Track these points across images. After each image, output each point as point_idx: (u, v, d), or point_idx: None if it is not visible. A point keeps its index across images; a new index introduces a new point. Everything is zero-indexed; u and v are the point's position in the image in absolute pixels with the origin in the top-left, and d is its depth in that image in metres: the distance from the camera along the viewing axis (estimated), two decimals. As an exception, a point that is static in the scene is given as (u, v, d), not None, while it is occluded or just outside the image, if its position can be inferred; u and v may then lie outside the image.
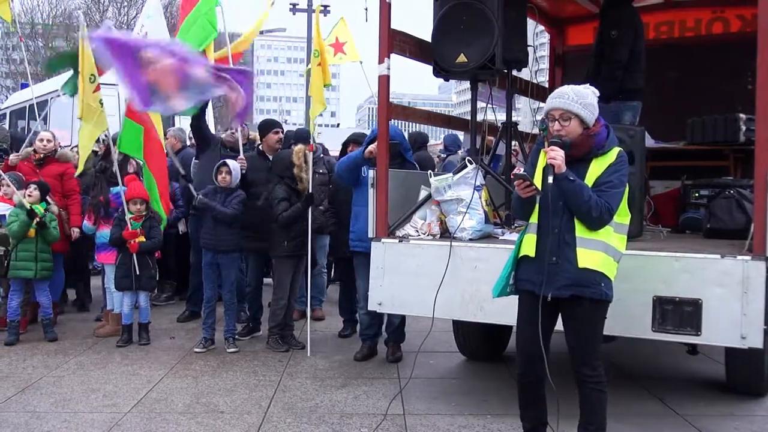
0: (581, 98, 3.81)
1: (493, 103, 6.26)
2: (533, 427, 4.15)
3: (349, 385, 5.76)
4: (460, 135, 11.05)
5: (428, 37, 5.70)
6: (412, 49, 5.74)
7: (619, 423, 4.62)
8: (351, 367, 6.26)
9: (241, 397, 5.40)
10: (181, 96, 6.00)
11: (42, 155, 7.70)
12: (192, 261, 8.05)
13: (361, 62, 11.35)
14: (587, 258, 3.77)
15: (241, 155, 7.31)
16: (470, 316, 4.96)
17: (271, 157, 7.22)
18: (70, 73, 7.64)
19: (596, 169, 3.84)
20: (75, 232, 7.61)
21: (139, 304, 7.01)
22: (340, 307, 7.54)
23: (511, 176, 4.68)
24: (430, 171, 5.52)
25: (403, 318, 6.37)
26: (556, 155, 3.71)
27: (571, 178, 3.73)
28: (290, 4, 30.89)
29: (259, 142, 7.81)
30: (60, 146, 8.27)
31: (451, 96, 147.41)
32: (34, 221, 6.79)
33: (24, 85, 18.22)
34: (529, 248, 3.92)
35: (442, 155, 10.82)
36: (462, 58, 5.45)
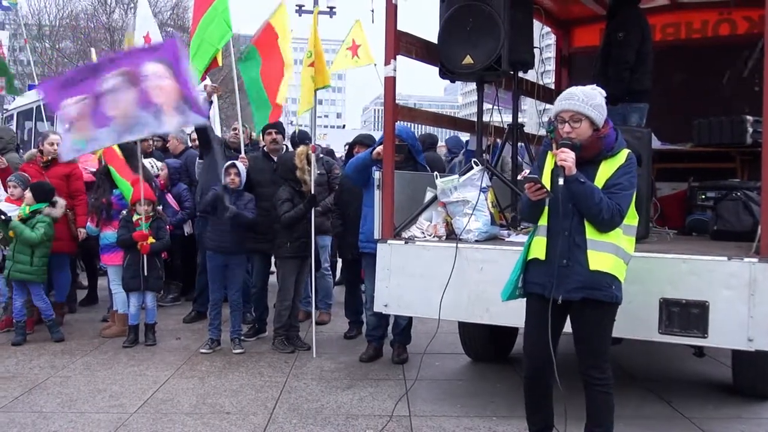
0: (590, 99, 3.80)
1: (499, 105, 6.27)
2: (539, 430, 4.15)
3: (354, 386, 5.76)
4: (464, 137, 11.07)
5: (434, 39, 5.70)
6: (418, 51, 5.75)
7: (627, 426, 4.61)
8: (357, 369, 6.26)
9: (247, 398, 5.40)
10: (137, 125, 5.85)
11: (49, 158, 7.73)
12: (199, 262, 8.07)
13: (374, 64, 11.41)
14: (598, 260, 3.76)
15: (242, 154, 7.31)
16: (476, 318, 4.96)
17: (275, 159, 7.23)
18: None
19: (606, 171, 3.83)
20: (81, 232, 7.63)
21: (146, 304, 7.02)
22: (345, 309, 7.54)
23: (521, 178, 4.68)
24: (436, 173, 5.52)
25: (409, 320, 6.37)
26: (567, 157, 3.70)
27: (582, 180, 3.72)
28: (296, 5, 30.91)
29: (263, 143, 7.83)
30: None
31: (457, 97, 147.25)
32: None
33: (31, 87, 18.28)
34: (539, 251, 3.91)
35: (447, 157, 10.82)
36: (468, 60, 5.46)
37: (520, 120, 6.34)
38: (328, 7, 30.89)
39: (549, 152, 3.94)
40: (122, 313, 7.19)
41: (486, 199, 5.19)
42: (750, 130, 6.17)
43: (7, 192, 7.39)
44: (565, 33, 8.25)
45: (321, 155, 8.20)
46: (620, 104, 6.11)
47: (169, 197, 8.36)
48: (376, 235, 5.28)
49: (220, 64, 7.71)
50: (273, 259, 7.44)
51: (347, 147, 8.66)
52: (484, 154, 5.93)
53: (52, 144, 7.84)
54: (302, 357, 6.57)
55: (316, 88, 6.90)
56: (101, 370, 6.09)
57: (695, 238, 5.77)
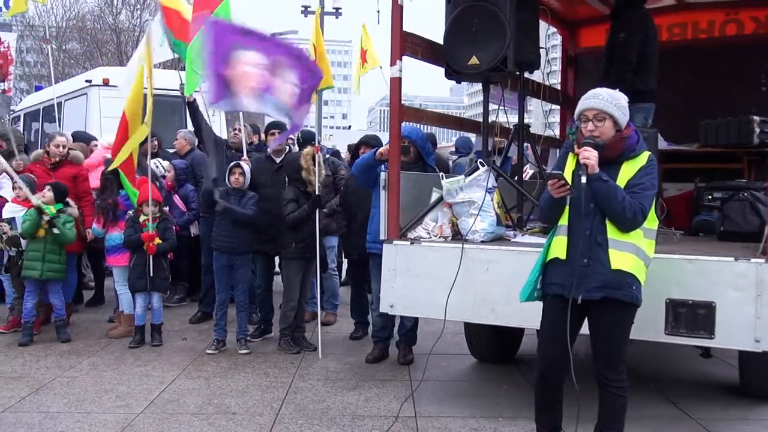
0: (615, 100, 3.84)
1: (505, 105, 6.26)
2: (548, 431, 4.14)
3: (360, 387, 5.76)
4: (472, 137, 11.05)
5: (440, 40, 5.70)
6: (424, 51, 5.74)
7: (634, 427, 4.58)
8: (362, 369, 6.26)
9: (253, 399, 5.41)
10: (255, 100, 6.10)
11: (57, 159, 7.75)
12: (203, 263, 8.09)
13: (380, 67, 11.44)
14: (620, 260, 3.77)
15: (245, 155, 7.30)
16: (482, 319, 4.96)
17: (277, 160, 7.23)
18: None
19: (628, 171, 3.84)
20: (89, 233, 7.65)
21: (152, 305, 7.04)
22: (351, 309, 7.55)
23: (545, 175, 4.65)
24: (442, 173, 5.51)
25: (415, 321, 6.37)
26: (590, 155, 3.71)
27: (605, 178, 3.74)
28: (302, 6, 30.92)
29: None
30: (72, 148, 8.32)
31: (462, 98, 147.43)
32: (44, 221, 6.83)
33: (38, 88, 18.36)
34: (559, 250, 3.90)
35: (453, 157, 10.82)
36: (474, 60, 5.45)
37: (526, 121, 6.34)
38: (333, 8, 30.91)
39: (570, 153, 3.95)
40: (128, 313, 7.21)
41: (492, 200, 5.18)
42: (757, 130, 6.15)
43: (13, 191, 7.41)
44: (571, 33, 8.24)
45: (327, 156, 8.21)
46: (624, 105, 6.10)
47: (176, 198, 8.39)
48: (382, 236, 5.28)
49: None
50: (277, 260, 7.44)
51: (353, 148, 8.66)
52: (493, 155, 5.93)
53: (58, 146, 7.87)
54: (308, 358, 6.58)
55: (319, 89, 6.90)
56: (108, 371, 6.10)
57: (702, 239, 5.76)
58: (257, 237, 6.92)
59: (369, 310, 7.23)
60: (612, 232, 3.80)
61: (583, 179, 3.72)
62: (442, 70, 5.78)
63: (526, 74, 6.33)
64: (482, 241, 5.01)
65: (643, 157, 3.87)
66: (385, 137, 6.25)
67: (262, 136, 9.08)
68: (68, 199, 7.23)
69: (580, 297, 3.77)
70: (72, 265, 7.76)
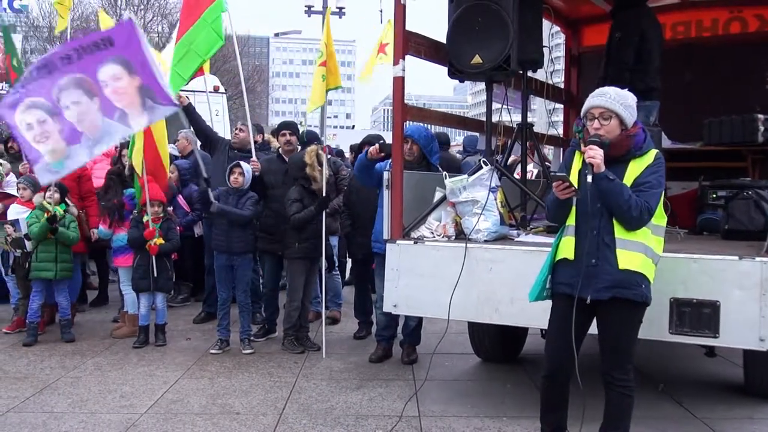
0: (622, 99, 3.84)
1: (509, 104, 6.25)
2: (552, 431, 4.13)
3: (364, 386, 5.76)
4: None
5: (443, 39, 5.69)
6: (427, 51, 5.73)
7: (638, 426, 4.57)
8: (366, 369, 6.26)
9: (257, 399, 5.41)
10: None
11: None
12: (207, 263, 8.09)
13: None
14: (628, 259, 3.76)
15: (254, 157, 7.31)
16: (485, 318, 4.95)
17: (287, 159, 7.25)
18: None
19: (634, 170, 3.83)
20: (94, 233, 7.66)
21: (156, 305, 7.04)
22: (355, 309, 7.54)
23: (549, 176, 4.65)
24: (445, 173, 5.51)
25: (419, 320, 6.37)
26: (596, 154, 3.71)
27: (611, 177, 3.73)
28: (305, 6, 30.94)
29: (278, 144, 7.84)
30: None
31: (466, 97, 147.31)
32: (52, 224, 6.85)
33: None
34: (567, 251, 3.91)
35: (460, 156, 10.80)
36: (477, 59, 5.44)
37: (529, 120, 6.32)
38: (337, 8, 30.91)
39: (577, 152, 3.95)
40: (132, 313, 7.22)
41: (495, 199, 5.17)
42: (761, 128, 6.14)
43: (17, 192, 7.43)
44: (574, 32, 8.22)
45: (329, 156, 8.20)
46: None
47: (180, 198, 8.39)
48: (385, 236, 5.28)
49: (207, 72, 7.69)
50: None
51: (356, 147, 8.66)
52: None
53: None
54: (312, 357, 6.58)
55: (327, 88, 6.90)
56: (112, 371, 6.11)
57: (706, 238, 5.74)
58: (266, 237, 6.92)
59: (373, 310, 7.23)
60: (619, 231, 3.79)
61: (589, 178, 3.72)
62: (445, 70, 5.77)
63: (530, 73, 6.31)
64: (486, 241, 5.00)
65: (650, 156, 3.86)
66: (388, 137, 6.24)
67: (266, 135, 9.09)
68: (66, 199, 7.23)
69: (589, 297, 3.77)
70: (76, 265, 7.77)
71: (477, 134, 10.12)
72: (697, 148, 6.65)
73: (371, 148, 6.03)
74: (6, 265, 7.68)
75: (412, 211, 5.40)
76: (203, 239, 8.34)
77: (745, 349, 4.72)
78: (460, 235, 5.19)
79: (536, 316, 4.29)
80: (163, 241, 6.90)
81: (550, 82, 7.23)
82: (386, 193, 5.33)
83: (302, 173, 6.65)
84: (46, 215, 6.86)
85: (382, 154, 5.91)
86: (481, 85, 6.08)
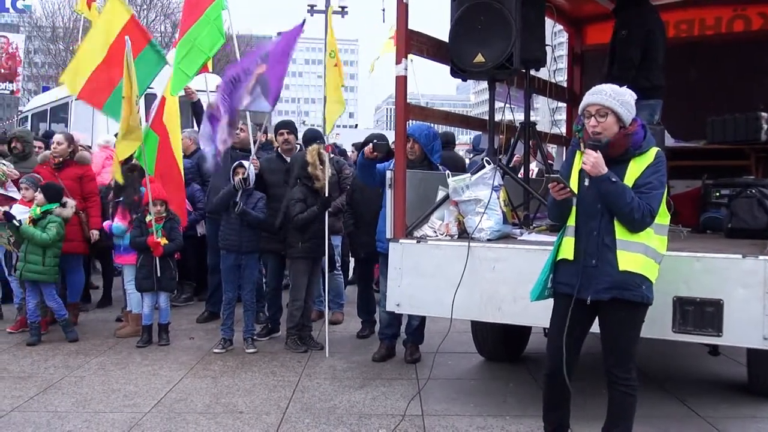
0: (619, 96, 3.82)
1: (511, 103, 6.24)
2: (555, 429, 4.13)
3: (367, 385, 5.76)
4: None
5: (446, 37, 5.69)
6: (429, 50, 5.73)
7: (641, 425, 4.57)
8: (369, 368, 6.26)
9: (260, 398, 5.42)
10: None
11: (60, 159, 7.74)
12: (209, 262, 8.10)
13: (411, 60, 11.61)
14: (628, 260, 3.75)
15: (253, 156, 7.31)
16: (488, 317, 4.95)
17: (288, 159, 7.24)
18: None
19: (635, 170, 3.81)
20: (94, 234, 7.64)
21: (160, 304, 7.05)
22: (358, 308, 7.54)
23: (546, 177, 4.66)
24: (447, 171, 5.50)
25: (422, 319, 6.36)
26: (588, 161, 3.71)
27: (613, 179, 3.72)
28: (308, 5, 31.00)
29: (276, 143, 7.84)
30: (80, 148, 8.33)
31: (469, 96, 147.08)
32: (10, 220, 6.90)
33: (45, 88, 18.43)
34: (567, 251, 3.91)
35: (470, 155, 10.80)
36: (479, 58, 5.43)
37: (532, 118, 6.32)
38: (339, 7, 30.95)
39: (578, 152, 3.94)
40: (136, 313, 7.23)
41: (498, 198, 5.17)
42: (765, 127, 6.12)
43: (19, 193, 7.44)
44: (577, 31, 8.22)
45: (332, 155, 8.20)
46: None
47: (183, 198, 8.39)
48: (388, 235, 5.27)
49: (210, 70, 7.72)
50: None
51: (359, 146, 8.65)
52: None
53: (52, 143, 7.88)
54: (315, 356, 6.58)
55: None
56: (115, 370, 6.12)
57: (709, 236, 5.73)
58: (267, 236, 6.93)
59: (376, 309, 7.23)
60: (620, 232, 3.78)
61: (587, 182, 3.72)
62: (448, 68, 5.77)
63: (532, 72, 6.31)
64: (489, 240, 5.00)
65: (651, 154, 3.84)
66: (391, 135, 6.24)
67: (269, 135, 9.08)
68: (66, 199, 7.22)
69: (589, 298, 3.77)
70: (78, 265, 7.78)
71: (480, 133, 10.13)
72: (701, 146, 6.64)
73: (365, 148, 6.05)
74: (9, 265, 7.69)
75: (415, 210, 5.40)
76: (206, 238, 8.34)
77: (749, 347, 4.72)
78: (463, 234, 5.18)
79: (539, 315, 4.29)
80: (166, 241, 6.91)
81: (553, 80, 7.23)
82: (389, 192, 5.33)
83: (305, 172, 6.65)
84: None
85: (375, 154, 5.92)
86: (484, 84, 6.07)
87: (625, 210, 3.71)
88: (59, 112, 13.79)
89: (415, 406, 5.19)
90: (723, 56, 7.12)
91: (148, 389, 5.60)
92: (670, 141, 6.44)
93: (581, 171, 3.83)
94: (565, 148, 7.75)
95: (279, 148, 7.45)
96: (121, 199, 7.31)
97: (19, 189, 7.41)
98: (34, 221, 6.92)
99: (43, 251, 6.92)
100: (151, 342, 6.95)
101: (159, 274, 6.91)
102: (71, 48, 34.07)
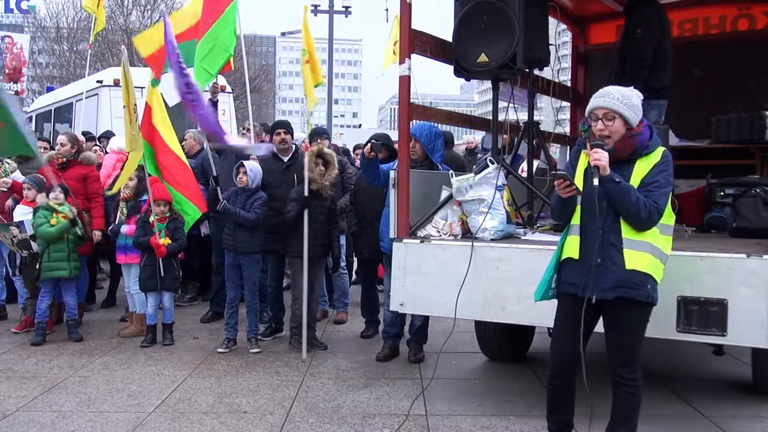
0: (626, 98, 3.80)
1: (515, 103, 6.24)
2: (559, 429, 4.13)
3: (371, 385, 5.76)
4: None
5: (449, 37, 5.68)
6: (433, 49, 5.73)
7: (646, 425, 4.56)
8: (373, 368, 6.26)
9: (264, 397, 5.42)
10: None
11: (64, 159, 7.76)
12: (214, 262, 8.11)
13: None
14: (635, 259, 3.74)
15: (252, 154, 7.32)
16: (492, 317, 4.94)
17: (285, 159, 7.23)
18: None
19: (641, 169, 3.80)
20: (96, 235, 7.64)
21: (164, 304, 7.06)
22: (361, 308, 7.55)
23: (550, 175, 4.64)
24: (451, 171, 5.50)
25: (425, 319, 6.36)
26: (601, 156, 3.68)
27: (617, 179, 3.70)
28: (311, 5, 30.98)
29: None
30: (83, 148, 8.35)
31: (473, 96, 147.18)
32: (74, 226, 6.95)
33: (50, 89, 18.47)
34: (572, 250, 3.89)
35: (481, 155, 10.79)
36: (483, 58, 5.43)
37: (536, 118, 6.31)
38: (343, 7, 30.94)
39: (583, 151, 3.93)
40: (140, 313, 7.24)
41: (502, 198, 5.16)
42: (770, 125, 6.10)
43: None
44: (580, 30, 8.21)
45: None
46: (638, 101, 6.06)
47: (187, 198, 8.40)
48: (392, 234, 5.27)
49: (233, 67, 7.76)
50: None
51: (363, 146, 8.64)
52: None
53: (56, 144, 7.91)
54: (319, 356, 6.58)
55: (315, 84, 7.05)
56: (119, 370, 6.13)
57: (714, 236, 5.72)
58: (267, 236, 6.93)
59: (379, 309, 7.23)
60: (626, 231, 3.77)
61: (595, 181, 3.69)
62: (452, 68, 5.76)
63: (536, 71, 6.31)
64: (492, 239, 4.99)
65: (657, 154, 3.83)
66: (395, 135, 6.24)
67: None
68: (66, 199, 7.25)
69: (594, 297, 3.76)
70: (82, 265, 7.79)
71: (484, 132, 10.12)
72: (705, 145, 6.63)
73: (365, 149, 6.06)
74: (13, 266, 7.71)
75: (418, 209, 5.40)
76: (210, 238, 8.35)
77: (754, 347, 4.71)
78: (467, 233, 5.18)
79: (543, 314, 4.29)
80: (170, 241, 6.92)
81: (556, 80, 7.22)
82: (392, 192, 5.33)
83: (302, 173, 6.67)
84: (61, 218, 6.90)
85: (373, 154, 5.93)
86: (488, 84, 6.07)
87: (632, 209, 3.70)
88: (63, 113, 13.83)
89: (418, 405, 5.19)
90: (727, 55, 7.11)
91: (152, 389, 5.61)
92: (674, 140, 6.43)
93: (586, 170, 3.82)
94: (568, 147, 7.73)
95: (275, 148, 7.44)
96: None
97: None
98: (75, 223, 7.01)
99: (67, 246, 7.00)
100: (155, 342, 6.96)
101: (162, 274, 6.92)
102: (75, 48, 34.17)
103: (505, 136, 6.41)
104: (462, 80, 6.11)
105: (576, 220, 3.93)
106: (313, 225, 6.61)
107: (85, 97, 12.59)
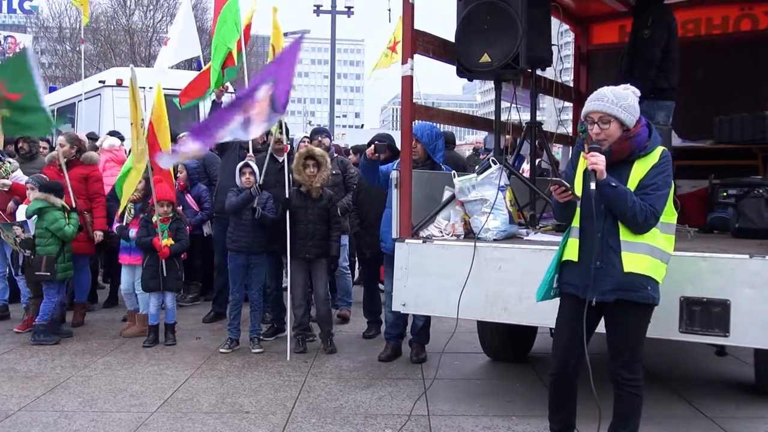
0: (621, 100, 3.73)
1: (518, 103, 6.23)
2: (561, 429, 4.12)
3: (373, 385, 5.76)
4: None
5: (452, 37, 5.68)
6: (435, 50, 5.72)
7: (649, 425, 4.56)
8: (375, 368, 6.26)
9: (266, 398, 5.42)
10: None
11: (65, 159, 7.74)
12: (216, 263, 8.11)
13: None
14: (633, 262, 3.73)
15: (250, 152, 7.30)
16: (494, 317, 4.94)
17: (280, 159, 7.22)
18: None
19: (639, 170, 3.77)
20: (98, 235, 7.63)
21: (166, 304, 7.06)
22: (364, 308, 7.55)
23: (549, 181, 4.65)
24: (453, 171, 5.50)
25: (428, 319, 6.36)
26: (598, 161, 3.65)
27: (613, 184, 3.67)
28: (314, 5, 30.99)
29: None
30: (86, 147, 8.35)
31: (475, 96, 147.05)
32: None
33: (52, 89, 18.48)
34: (571, 253, 3.89)
35: (484, 155, 10.79)
36: (485, 58, 5.43)
37: (538, 118, 6.31)
38: (345, 7, 30.95)
39: (582, 152, 3.91)
40: (142, 313, 7.24)
41: (504, 198, 5.16)
42: (772, 126, 6.10)
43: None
44: (583, 30, 8.20)
45: (335, 155, 8.20)
46: (645, 101, 6.03)
47: (189, 198, 8.41)
48: (394, 235, 5.27)
49: (236, 63, 7.76)
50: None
51: (361, 149, 8.67)
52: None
53: (57, 146, 7.92)
54: (321, 356, 6.59)
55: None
56: (122, 370, 6.13)
57: (716, 236, 5.72)
58: (268, 237, 6.93)
59: (382, 309, 7.23)
60: (625, 234, 3.76)
61: (592, 185, 3.67)
62: (454, 68, 5.76)
63: (539, 71, 6.30)
64: (495, 240, 4.99)
65: (656, 154, 3.79)
66: (397, 136, 6.24)
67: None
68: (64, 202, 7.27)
69: (594, 299, 3.76)
70: (84, 265, 7.80)
71: (486, 133, 10.13)
72: (708, 146, 6.62)
73: (368, 150, 6.06)
74: (16, 266, 7.71)
75: (420, 210, 5.39)
76: (212, 238, 8.36)
77: (756, 348, 4.70)
78: (469, 234, 5.18)
79: (545, 315, 4.28)
80: (172, 242, 6.92)
81: (559, 80, 7.22)
82: (395, 193, 5.33)
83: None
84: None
85: (376, 155, 5.93)
86: (491, 84, 6.07)
87: (628, 214, 3.68)
88: (66, 113, 13.83)
89: (421, 406, 5.19)
90: (730, 56, 7.10)
91: (155, 389, 5.61)
92: (677, 141, 6.43)
93: (585, 172, 3.80)
94: (571, 147, 7.73)
95: (270, 148, 7.43)
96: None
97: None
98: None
99: (62, 247, 7.02)
100: (157, 342, 6.96)
101: (165, 274, 6.92)
102: (77, 48, 34.21)
103: (507, 136, 6.41)
104: (464, 80, 6.10)
105: (576, 222, 3.92)
106: (304, 225, 6.61)
107: (88, 98, 12.60)
